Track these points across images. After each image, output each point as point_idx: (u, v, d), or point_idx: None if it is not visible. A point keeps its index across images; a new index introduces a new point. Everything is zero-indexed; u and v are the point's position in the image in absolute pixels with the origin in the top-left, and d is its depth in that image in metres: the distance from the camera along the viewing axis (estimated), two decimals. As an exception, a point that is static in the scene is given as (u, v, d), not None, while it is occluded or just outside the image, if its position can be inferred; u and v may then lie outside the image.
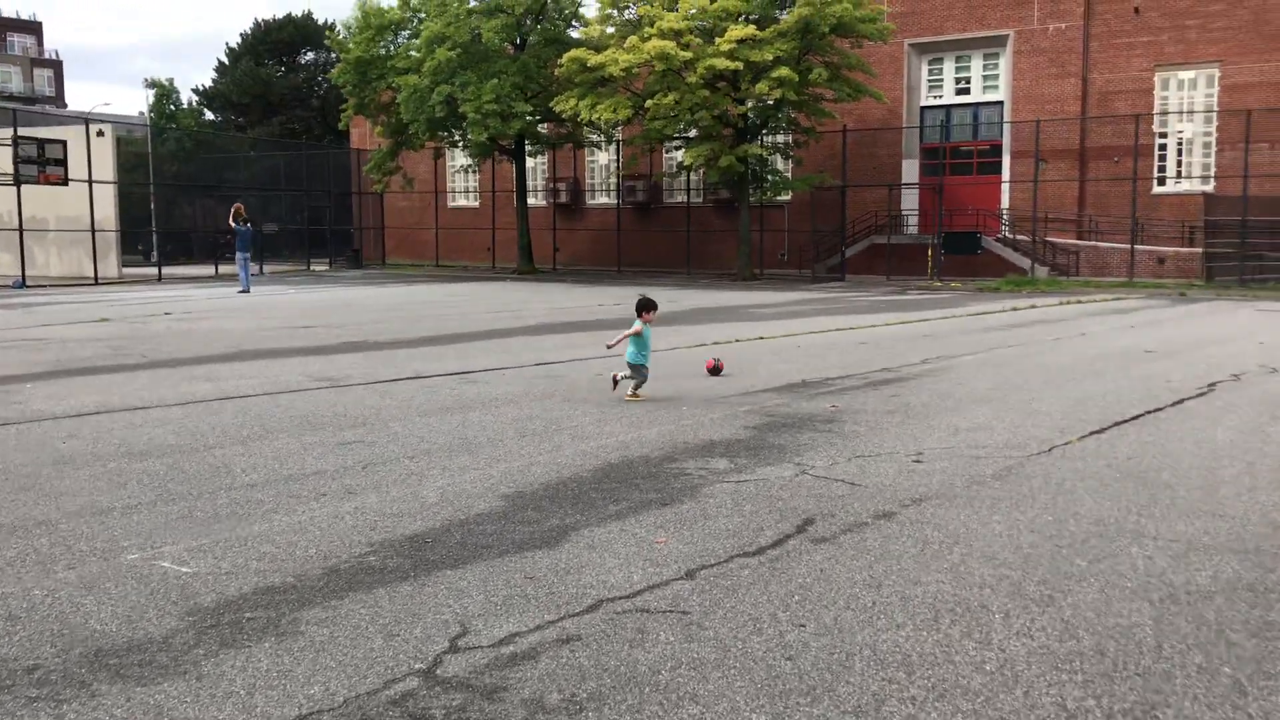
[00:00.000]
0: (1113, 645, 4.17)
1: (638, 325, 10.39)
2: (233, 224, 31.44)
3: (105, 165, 37.79)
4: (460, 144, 43.82)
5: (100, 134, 38.06)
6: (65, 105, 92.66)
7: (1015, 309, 23.83)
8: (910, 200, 42.59)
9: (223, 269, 43.01)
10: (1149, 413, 9.57)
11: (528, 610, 4.55)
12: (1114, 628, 4.35)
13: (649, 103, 35.78)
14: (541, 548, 5.45)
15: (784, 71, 34.12)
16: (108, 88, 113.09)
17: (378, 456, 7.65)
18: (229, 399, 10.33)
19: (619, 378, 10.62)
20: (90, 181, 35.99)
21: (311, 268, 47.06)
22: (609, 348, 11.10)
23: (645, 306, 10.58)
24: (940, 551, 5.40)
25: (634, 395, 10.35)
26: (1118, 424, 8.99)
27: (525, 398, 10.47)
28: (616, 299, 27.62)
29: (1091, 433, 8.60)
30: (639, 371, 10.40)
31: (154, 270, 38.94)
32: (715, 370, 12.35)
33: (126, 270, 42.60)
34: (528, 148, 44.86)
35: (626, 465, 7.35)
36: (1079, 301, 26.59)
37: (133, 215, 58.15)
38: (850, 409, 9.82)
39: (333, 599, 4.69)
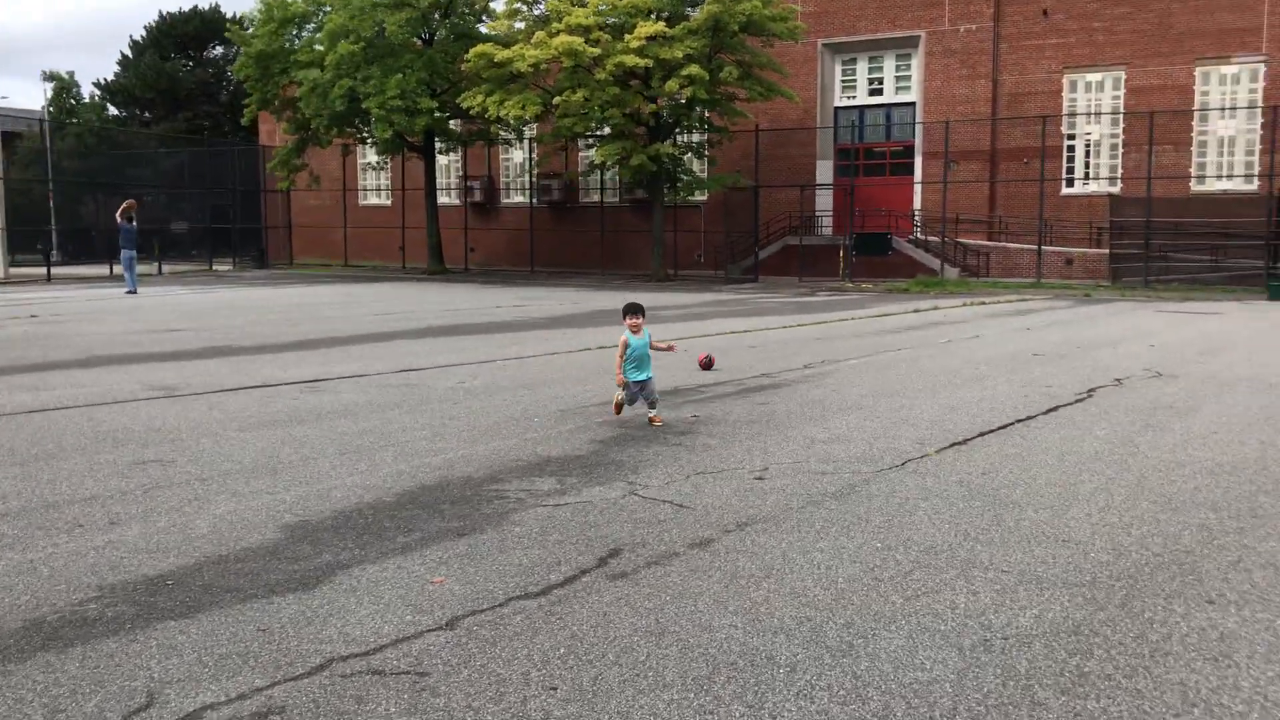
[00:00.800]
0: (901, 708, 3.62)
1: (624, 335, 8.90)
2: (120, 220, 30.12)
3: (-13, 160, 36.08)
4: (368, 140, 42.71)
5: (-16, 128, 36.32)
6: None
7: (918, 310, 23.58)
8: (825, 201, 42.42)
9: (118, 269, 41.38)
10: (1020, 421, 9.14)
11: (240, 673, 3.87)
12: (909, 684, 3.80)
13: (557, 100, 35.10)
14: (295, 591, 4.77)
15: (694, 69, 33.66)
16: (8, 81, 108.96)
17: (169, 478, 6.89)
18: (41, 411, 9.47)
19: (621, 401, 9.10)
20: (-29, 177, 34.23)
21: (214, 268, 45.59)
22: (622, 388, 9.04)
23: (629, 312, 8.96)
24: (746, 587, 4.83)
25: (656, 419, 8.95)
26: (983, 434, 8.54)
27: (367, 409, 9.75)
28: (519, 300, 26.92)
29: (954, 444, 8.13)
30: (644, 389, 8.91)
31: (46, 270, 37.30)
32: (708, 365, 12.55)
33: (17, 270, 40.85)
34: (438, 145, 43.91)
35: (441, 488, 6.69)
36: (982, 303, 26.46)
37: (29, 214, 56.11)
38: (712, 418, 9.26)
39: (11, 662, 3.97)
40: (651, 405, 9.01)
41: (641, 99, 36.03)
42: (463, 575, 5.01)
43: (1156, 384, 11.50)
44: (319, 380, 11.63)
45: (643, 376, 8.86)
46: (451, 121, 42.53)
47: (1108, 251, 35.36)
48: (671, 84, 34.08)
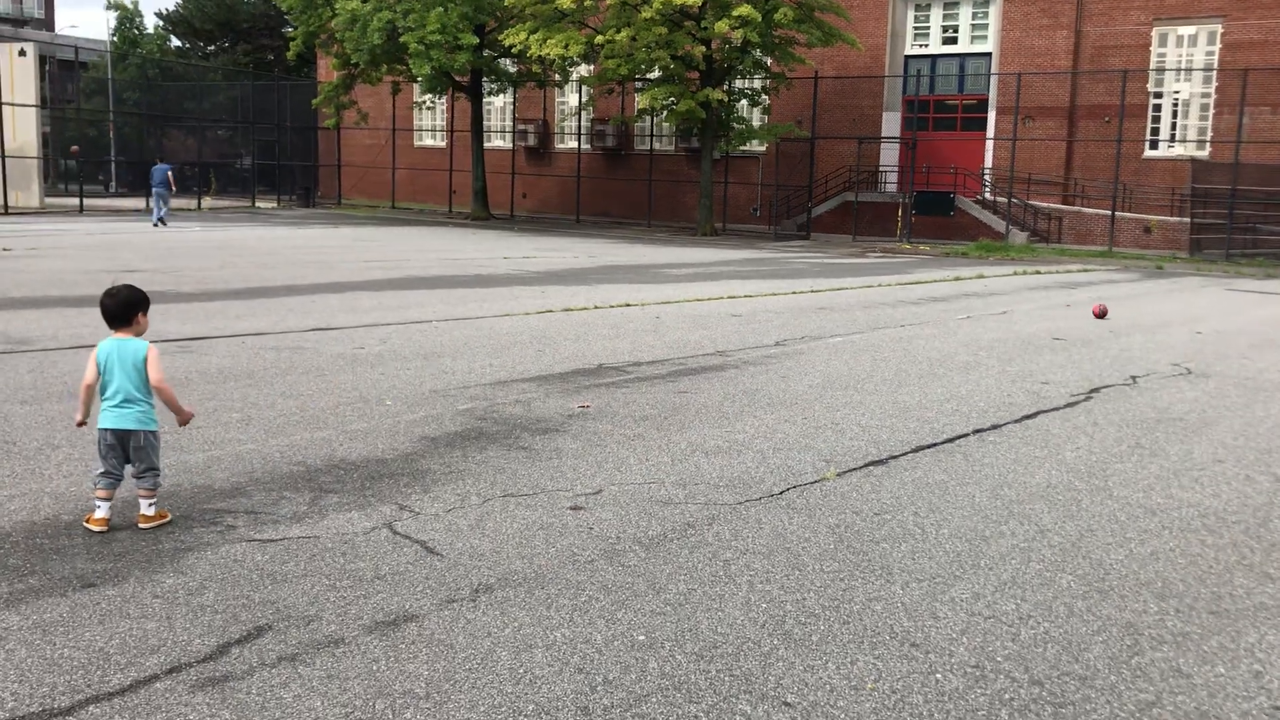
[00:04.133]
0: None
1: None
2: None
3: (27, 88, 35.51)
4: (415, 78, 41.30)
5: (22, 54, 35.72)
6: (53, 28, 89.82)
7: (958, 279, 21.49)
8: (890, 156, 39.97)
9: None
10: (978, 432, 7.34)
11: None
12: None
13: (599, 39, 33.22)
14: None
15: (745, 10, 31.48)
16: (78, 10, 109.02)
17: None
18: None
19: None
20: (2, 104, 33.66)
21: (256, 205, 44.79)
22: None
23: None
24: (383, 714, 3.23)
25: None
26: (919, 449, 6.78)
27: (207, 378, 8.31)
28: (536, 250, 25.38)
29: (870, 463, 6.39)
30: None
31: (79, 202, 36.70)
32: (1102, 314, 14.34)
33: (54, 200, 40.51)
34: (486, 85, 42.34)
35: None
36: (1037, 272, 24.20)
37: (96, 144, 56.02)
38: (603, 411, 7.63)
39: None
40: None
41: (692, 40, 33.95)
42: (38, 653, 3.50)
43: (1178, 385, 9.53)
44: (201, 339, 10.24)
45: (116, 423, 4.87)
46: (501, 61, 40.91)
47: (1188, 220, 32.55)
48: (721, 25, 31.96)
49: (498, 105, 48.34)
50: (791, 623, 4.01)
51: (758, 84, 38.07)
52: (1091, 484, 6.11)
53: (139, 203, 40.72)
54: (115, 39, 59.51)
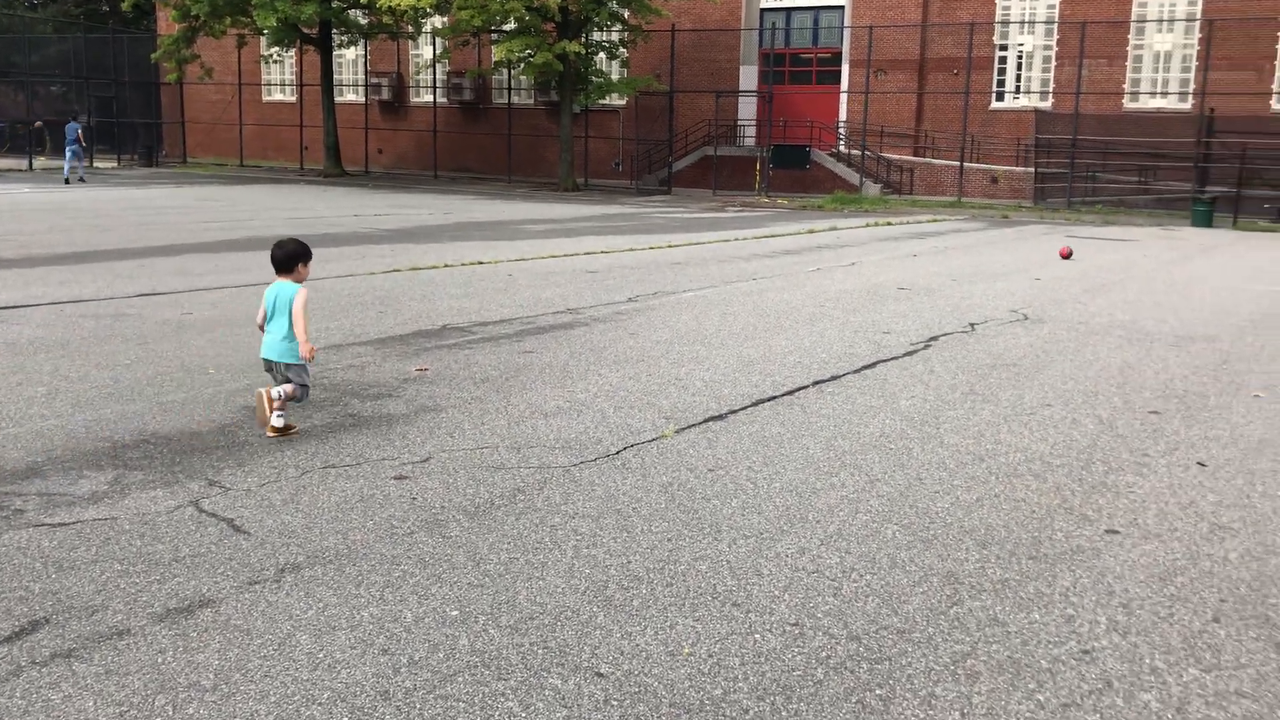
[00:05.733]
0: None
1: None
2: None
3: None
4: (261, 31, 39.58)
5: None
6: None
7: (812, 231, 21.73)
8: (749, 110, 40.16)
9: (-15, 163, 38.40)
10: (817, 384, 7.36)
11: None
12: None
13: (452, -11, 32.40)
14: None
15: (599, -40, 31.05)
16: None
17: None
18: None
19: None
20: None
21: (94, 165, 42.53)
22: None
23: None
24: (164, 709, 3.00)
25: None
26: (758, 403, 6.75)
27: (19, 349, 7.76)
28: (390, 207, 24.71)
29: (710, 418, 6.33)
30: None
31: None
32: (1068, 255, 16.25)
33: None
34: (337, 37, 40.93)
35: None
36: (888, 223, 24.66)
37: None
38: (442, 374, 7.39)
39: None
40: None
41: (547, -8, 33.35)
42: None
43: (1014, 331, 9.77)
44: (15, 307, 9.59)
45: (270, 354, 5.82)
46: (351, 12, 39.55)
47: (1033, 170, 33.63)
48: (574, -25, 31.49)
49: (350, 58, 46.86)
50: (614, 588, 3.90)
51: (615, 37, 37.73)
52: (924, 432, 6.17)
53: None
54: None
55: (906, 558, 4.27)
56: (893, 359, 8.32)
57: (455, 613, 3.66)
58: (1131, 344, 9.24)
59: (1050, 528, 4.66)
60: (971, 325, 10.00)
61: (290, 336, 5.70)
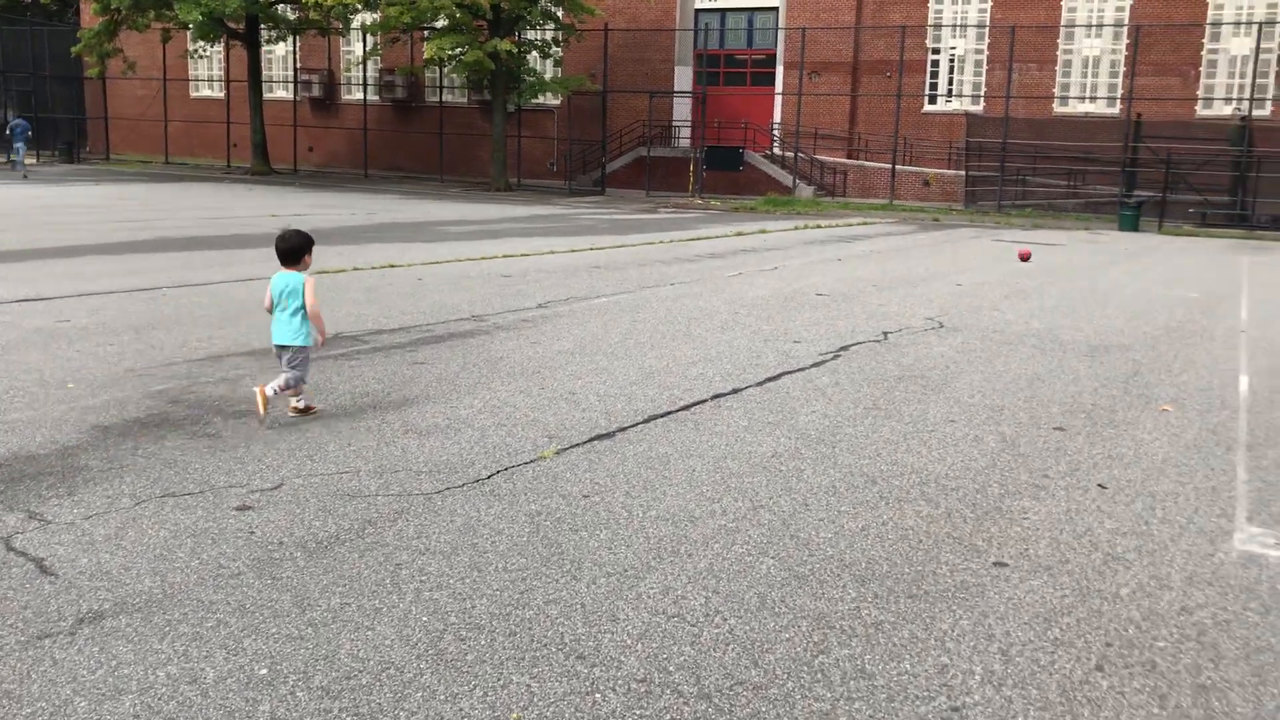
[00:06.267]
0: None
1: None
2: None
3: None
4: (186, 25, 38.57)
5: None
6: None
7: (740, 234, 21.49)
8: (683, 111, 39.94)
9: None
10: (716, 397, 7.04)
11: None
12: None
13: (380, -15, 31.78)
14: None
15: (530, -43, 30.61)
16: None
17: None
18: None
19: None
20: None
21: (10, 160, 41.17)
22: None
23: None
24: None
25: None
26: (650, 419, 6.41)
27: None
28: (309, 207, 24.08)
29: (596, 436, 5.99)
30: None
31: None
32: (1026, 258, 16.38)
33: None
34: (266, 33, 40.06)
35: None
36: (818, 226, 24.53)
37: None
38: (320, 387, 6.97)
39: None
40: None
41: (478, -11, 32.84)
42: None
43: (928, 340, 9.54)
44: (-127, 315, 8.99)
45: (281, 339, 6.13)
46: (279, 7, 38.72)
47: (964, 173, 33.76)
48: (505, -28, 31.02)
49: (280, 54, 45.95)
50: (450, 639, 3.53)
51: (548, 35, 37.30)
52: (818, 451, 5.87)
53: None
54: None
55: (778, 597, 3.95)
56: (799, 370, 8.04)
57: (264, 671, 3.28)
58: (1044, 354, 9.05)
59: (936, 560, 4.37)
60: (885, 334, 9.77)
61: (303, 321, 6.02)
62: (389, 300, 10.90)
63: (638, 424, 6.31)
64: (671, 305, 11.22)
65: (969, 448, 6.06)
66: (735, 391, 7.27)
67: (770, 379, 7.71)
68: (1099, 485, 5.43)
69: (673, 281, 13.32)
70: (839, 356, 8.64)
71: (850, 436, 6.21)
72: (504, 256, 15.52)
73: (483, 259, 15.12)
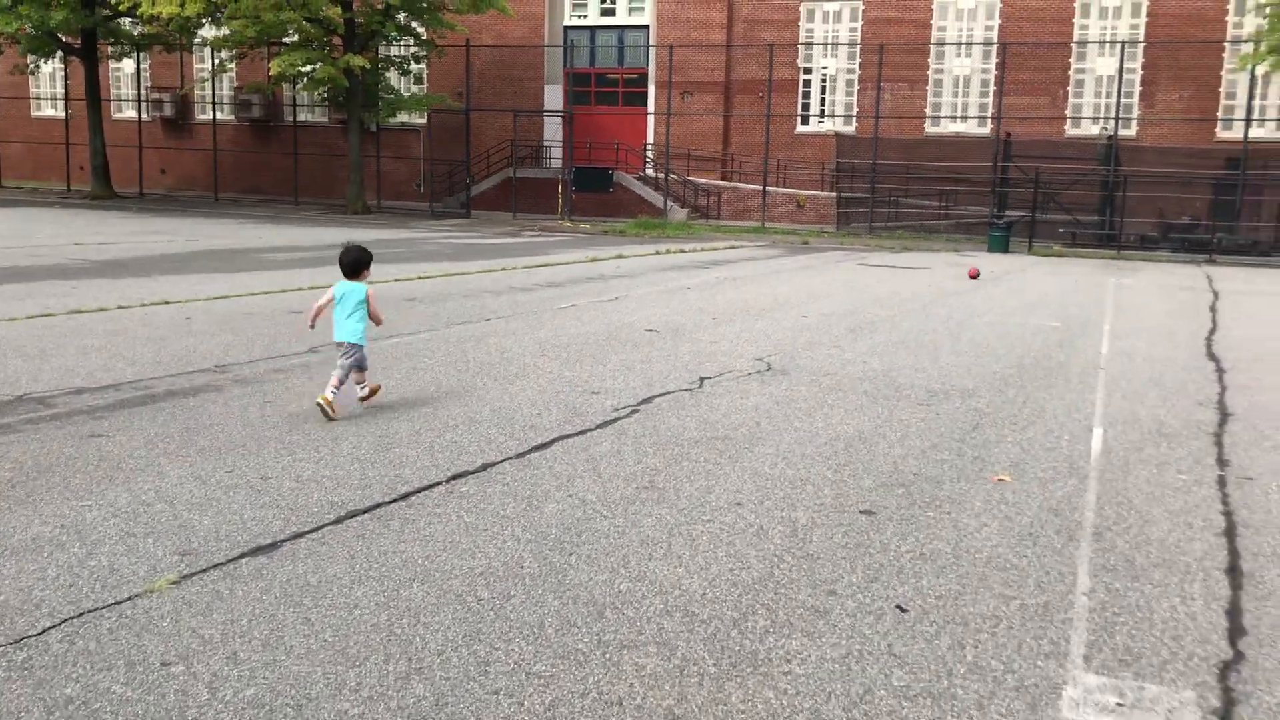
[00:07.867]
0: None
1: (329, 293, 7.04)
2: None
3: None
4: (16, 39, 35.90)
5: None
6: None
7: (594, 260, 20.16)
8: (553, 131, 38.58)
9: None
10: (456, 477, 5.59)
11: None
12: None
13: (220, -2, 29.81)
14: None
15: (380, -32, 29.00)
16: None
17: None
18: None
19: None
20: None
21: None
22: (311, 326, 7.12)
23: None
24: None
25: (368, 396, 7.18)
26: (341, 519, 4.91)
27: None
28: (130, 233, 22.00)
29: (251, 550, 4.47)
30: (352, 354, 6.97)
31: None
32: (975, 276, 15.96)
33: None
34: (109, 48, 37.60)
35: None
36: (680, 251, 23.33)
37: None
38: (-68, 477, 5.30)
39: None
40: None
41: (327, 2, 31.06)
42: None
43: (748, 386, 8.23)
44: None
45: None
46: (121, 21, 36.29)
47: (835, 195, 33.05)
48: (355, -15, 29.34)
49: (128, 71, 43.35)
50: None
51: (408, 51, 35.64)
52: (545, 564, 4.44)
53: None
54: None
55: None
56: (581, 433, 6.63)
57: None
58: (876, 402, 7.81)
59: (635, 764, 2.96)
60: (702, 380, 8.43)
61: (359, 321, 6.84)
62: (127, 347, 9.20)
63: (320, 528, 4.81)
64: (471, 347, 9.74)
65: (745, 548, 4.70)
66: (485, 468, 5.82)
67: (539, 446, 6.28)
68: (898, 607, 4.11)
69: (490, 316, 11.86)
70: (637, 411, 7.26)
71: (599, 535, 4.80)
72: (309, 288, 13.86)
73: (283, 291, 13.46)
